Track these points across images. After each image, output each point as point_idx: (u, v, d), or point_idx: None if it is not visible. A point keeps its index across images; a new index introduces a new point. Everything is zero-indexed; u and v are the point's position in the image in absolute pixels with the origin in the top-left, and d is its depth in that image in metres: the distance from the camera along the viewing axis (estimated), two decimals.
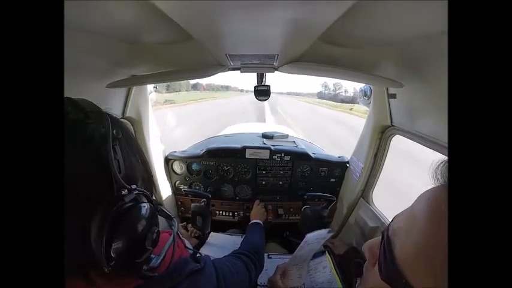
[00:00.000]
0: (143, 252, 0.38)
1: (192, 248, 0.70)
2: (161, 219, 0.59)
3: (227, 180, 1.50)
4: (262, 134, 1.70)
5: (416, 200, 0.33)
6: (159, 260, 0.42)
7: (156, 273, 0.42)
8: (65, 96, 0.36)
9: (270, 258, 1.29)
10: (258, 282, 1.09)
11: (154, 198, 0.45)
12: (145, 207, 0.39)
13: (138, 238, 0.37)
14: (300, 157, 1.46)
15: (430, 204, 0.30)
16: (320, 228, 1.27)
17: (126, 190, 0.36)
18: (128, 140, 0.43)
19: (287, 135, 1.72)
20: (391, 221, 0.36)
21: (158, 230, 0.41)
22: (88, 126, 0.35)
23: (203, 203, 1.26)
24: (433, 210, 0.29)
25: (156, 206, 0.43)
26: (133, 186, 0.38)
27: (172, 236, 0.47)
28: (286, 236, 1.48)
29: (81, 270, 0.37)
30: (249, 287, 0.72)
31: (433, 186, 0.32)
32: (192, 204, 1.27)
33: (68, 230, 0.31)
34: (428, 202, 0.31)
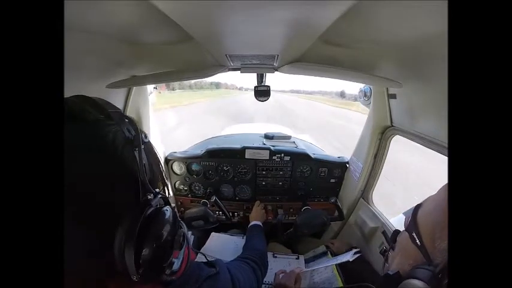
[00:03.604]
0: (170, 255, 0.38)
1: (195, 250, 0.70)
2: None
3: (227, 181, 1.50)
4: (265, 134, 1.70)
5: (440, 188, 0.46)
6: (180, 263, 0.41)
7: (175, 277, 0.41)
8: (78, 95, 0.35)
9: (275, 257, 1.29)
10: (263, 281, 1.10)
11: None
12: (168, 210, 0.38)
13: (166, 241, 0.36)
14: (300, 157, 1.46)
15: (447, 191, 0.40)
16: (318, 230, 1.27)
17: (151, 194, 0.36)
18: (148, 144, 0.41)
19: (290, 136, 1.72)
20: (424, 200, 0.50)
21: (184, 233, 0.41)
22: (111, 128, 0.34)
23: (217, 215, 1.25)
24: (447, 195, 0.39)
25: None
26: (157, 190, 0.37)
27: (184, 237, 0.47)
28: (278, 222, 1.42)
29: (101, 282, 0.35)
30: None
31: None
32: (205, 208, 1.25)
33: (89, 240, 0.30)
34: (447, 190, 0.41)
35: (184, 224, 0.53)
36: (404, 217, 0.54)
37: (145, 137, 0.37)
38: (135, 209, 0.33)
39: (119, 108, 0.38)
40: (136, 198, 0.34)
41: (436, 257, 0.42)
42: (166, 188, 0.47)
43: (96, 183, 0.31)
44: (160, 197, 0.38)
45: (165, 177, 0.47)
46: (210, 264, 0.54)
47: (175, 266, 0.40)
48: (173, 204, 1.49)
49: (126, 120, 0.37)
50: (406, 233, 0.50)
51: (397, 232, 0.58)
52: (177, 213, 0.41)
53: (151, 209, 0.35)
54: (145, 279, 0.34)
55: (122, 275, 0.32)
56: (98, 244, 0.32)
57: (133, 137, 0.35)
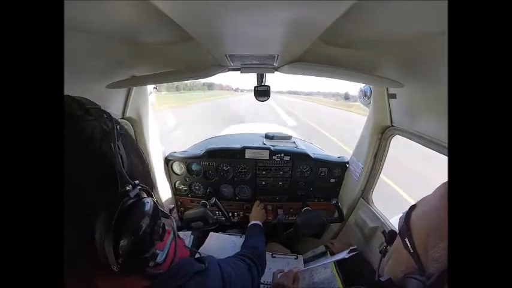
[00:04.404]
0: (150, 246, 0.38)
1: (191, 248, 0.70)
2: None
3: (227, 181, 1.50)
4: (265, 134, 1.71)
5: (436, 189, 0.44)
6: (164, 255, 0.41)
7: (161, 270, 0.42)
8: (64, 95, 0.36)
9: (274, 257, 1.29)
10: (261, 281, 1.10)
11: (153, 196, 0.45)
12: (148, 202, 0.39)
13: (145, 232, 0.36)
14: (300, 157, 1.46)
15: (443, 192, 0.41)
16: (318, 231, 1.27)
17: (130, 186, 0.36)
18: (129, 137, 0.43)
19: (290, 136, 1.72)
20: (418, 201, 0.49)
21: (163, 224, 0.41)
22: (90, 123, 0.35)
23: (216, 216, 1.25)
24: (442, 195, 0.40)
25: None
26: (137, 182, 0.38)
27: (172, 232, 0.47)
28: (278, 223, 1.41)
29: (86, 275, 0.36)
30: None
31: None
32: (204, 209, 1.25)
33: (72, 232, 0.30)
34: (441, 190, 0.42)
35: (173, 220, 0.53)
36: (399, 219, 0.52)
37: (121, 129, 0.39)
38: (113, 199, 0.34)
39: (98, 105, 0.39)
40: (115, 189, 0.35)
41: (429, 267, 0.39)
42: (150, 180, 0.48)
43: (75, 175, 0.31)
44: (139, 188, 0.38)
45: (147, 168, 0.48)
46: (200, 260, 0.54)
47: (159, 258, 0.40)
48: (172, 205, 1.49)
49: (105, 115, 0.38)
50: (399, 237, 0.47)
51: (393, 233, 0.56)
52: (158, 204, 0.42)
53: (130, 199, 0.36)
54: (128, 270, 0.35)
55: (107, 267, 0.33)
56: (80, 236, 0.32)
57: (110, 130, 0.36)
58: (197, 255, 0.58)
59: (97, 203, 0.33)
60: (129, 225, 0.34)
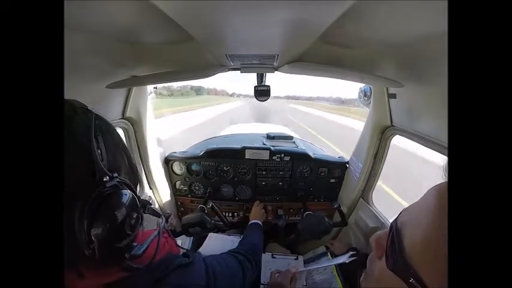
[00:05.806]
0: (123, 237, 0.40)
1: (183, 247, 0.71)
2: (154, 219, 0.60)
3: (227, 181, 1.50)
4: (267, 134, 1.71)
5: (424, 195, 0.34)
6: (142, 250, 0.43)
7: (140, 264, 0.43)
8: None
9: (274, 258, 1.29)
10: (262, 281, 1.10)
11: (147, 194, 0.45)
12: (126, 194, 0.41)
13: (116, 222, 0.38)
14: (300, 157, 1.46)
15: (437, 199, 0.31)
16: (319, 234, 1.26)
17: (107, 177, 0.38)
18: (112, 134, 0.45)
19: (291, 137, 1.72)
20: (399, 214, 0.36)
21: (138, 216, 0.43)
22: (75, 121, 0.38)
23: (214, 220, 1.24)
24: (439, 204, 0.30)
25: (145, 203, 0.44)
26: (115, 174, 0.40)
27: (158, 230, 0.48)
28: (279, 227, 1.39)
29: (70, 263, 0.38)
30: (244, 287, 0.72)
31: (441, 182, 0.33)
32: (202, 214, 1.23)
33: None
34: (435, 197, 0.32)
35: (164, 219, 0.55)
36: (373, 241, 0.39)
37: (102, 126, 0.42)
38: (89, 189, 0.36)
39: (85, 105, 0.42)
40: (91, 179, 0.37)
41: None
42: (135, 177, 0.50)
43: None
44: (118, 181, 0.40)
45: (133, 166, 0.50)
46: (185, 255, 0.55)
47: (136, 251, 0.42)
48: (169, 211, 1.48)
49: (89, 113, 0.41)
50: (383, 264, 0.34)
51: (365, 256, 0.43)
52: (137, 197, 0.44)
53: (107, 190, 0.38)
54: (103, 258, 0.37)
55: (90, 258, 0.34)
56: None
57: (90, 126, 0.39)
58: (183, 252, 0.59)
59: (74, 192, 0.35)
60: (102, 213, 0.36)
